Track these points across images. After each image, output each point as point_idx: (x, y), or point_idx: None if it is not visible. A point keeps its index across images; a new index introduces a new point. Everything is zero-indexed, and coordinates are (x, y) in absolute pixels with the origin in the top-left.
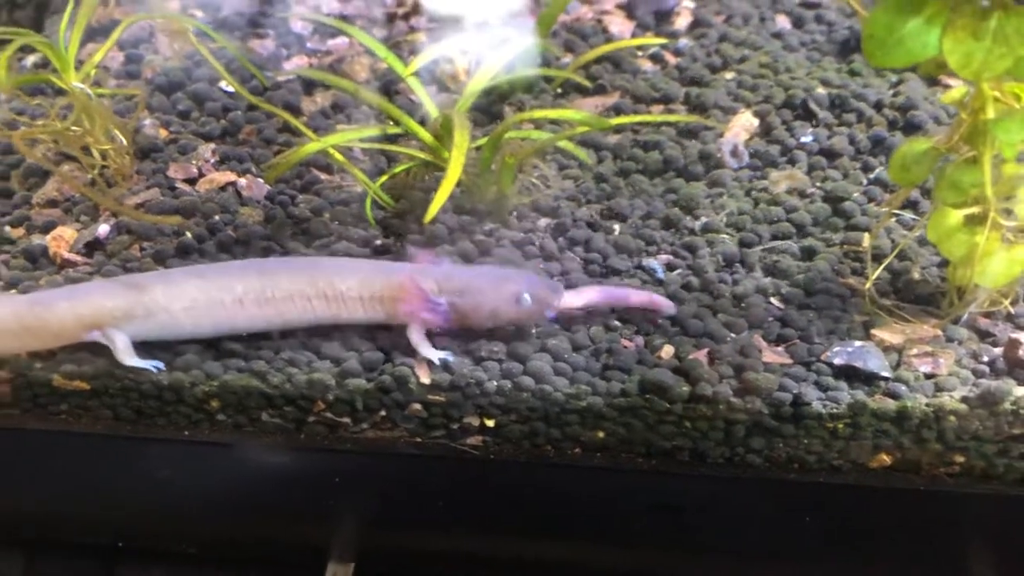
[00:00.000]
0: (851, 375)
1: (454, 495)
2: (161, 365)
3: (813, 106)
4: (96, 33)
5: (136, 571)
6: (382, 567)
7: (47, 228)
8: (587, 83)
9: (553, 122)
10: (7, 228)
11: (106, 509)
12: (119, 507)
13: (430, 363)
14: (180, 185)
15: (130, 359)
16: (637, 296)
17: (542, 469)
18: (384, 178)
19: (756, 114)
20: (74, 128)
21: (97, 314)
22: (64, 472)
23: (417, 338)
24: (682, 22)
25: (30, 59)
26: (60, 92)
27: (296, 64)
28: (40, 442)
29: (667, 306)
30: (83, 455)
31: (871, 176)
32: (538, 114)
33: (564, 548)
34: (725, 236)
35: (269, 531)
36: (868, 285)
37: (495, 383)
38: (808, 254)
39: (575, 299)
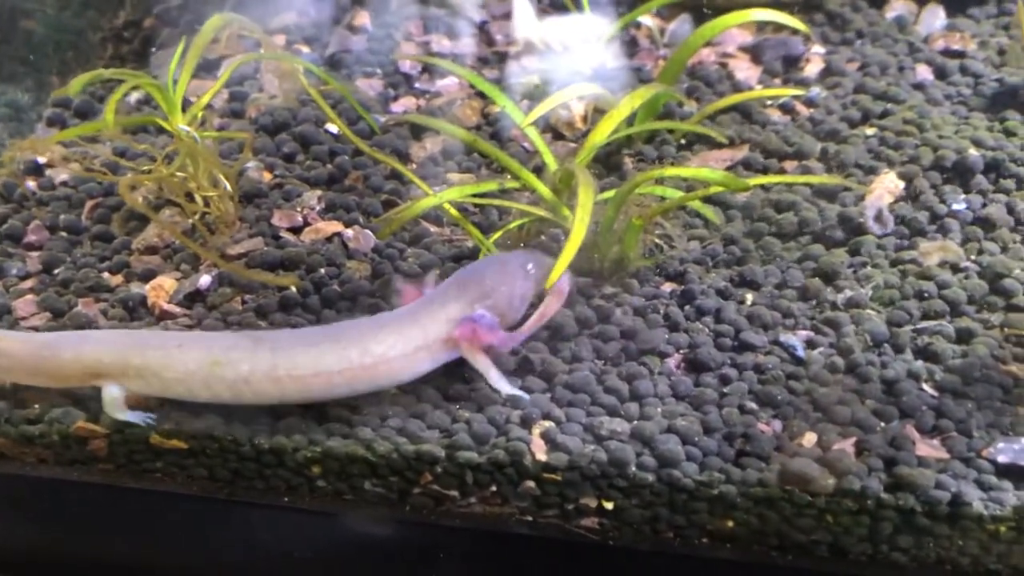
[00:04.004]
0: (1018, 474)
1: None
2: (150, 419)
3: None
4: (201, 68)
5: None
6: None
7: (146, 276)
8: (718, 136)
9: (672, 177)
10: (106, 274)
11: (182, 570)
12: (204, 570)
13: (515, 399)
14: (285, 235)
15: (118, 413)
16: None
17: (664, 558)
18: (498, 234)
19: (901, 176)
20: (179, 174)
21: (97, 367)
22: (153, 530)
23: (485, 367)
24: (812, 69)
25: (134, 95)
26: (162, 131)
27: (404, 105)
28: (131, 500)
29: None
30: (174, 515)
31: None
32: (669, 172)
33: None
34: (871, 312)
35: None
36: None
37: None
38: (964, 336)
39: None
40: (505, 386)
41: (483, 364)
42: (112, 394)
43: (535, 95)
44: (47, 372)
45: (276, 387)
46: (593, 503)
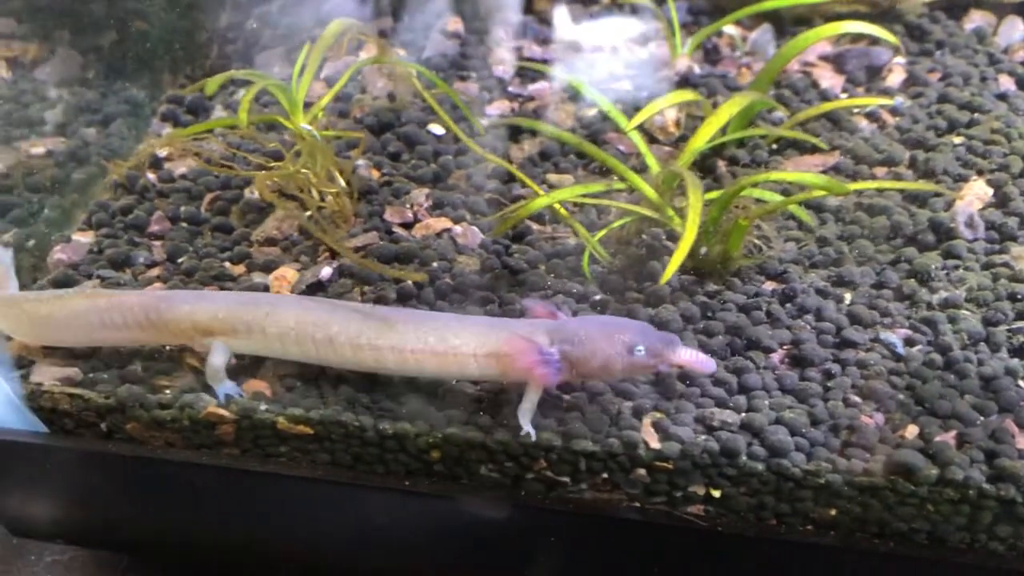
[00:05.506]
0: None
1: (670, 563)
2: (239, 392)
3: None
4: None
5: None
6: None
7: (267, 267)
8: (818, 142)
9: (775, 181)
10: (227, 264)
11: (303, 552)
12: (314, 551)
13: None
14: (397, 230)
15: (218, 384)
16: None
17: (768, 544)
18: (602, 232)
19: (990, 183)
20: (303, 170)
21: (209, 322)
22: (272, 512)
23: (528, 403)
24: (895, 79)
25: (240, 92)
26: (271, 127)
27: (498, 108)
28: (254, 482)
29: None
30: (294, 498)
31: None
32: (774, 176)
33: None
34: (966, 312)
35: None
36: None
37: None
38: None
39: (691, 356)
40: (526, 423)
41: (531, 395)
42: (217, 363)
43: (625, 100)
44: (161, 328)
45: (355, 354)
46: (701, 491)
